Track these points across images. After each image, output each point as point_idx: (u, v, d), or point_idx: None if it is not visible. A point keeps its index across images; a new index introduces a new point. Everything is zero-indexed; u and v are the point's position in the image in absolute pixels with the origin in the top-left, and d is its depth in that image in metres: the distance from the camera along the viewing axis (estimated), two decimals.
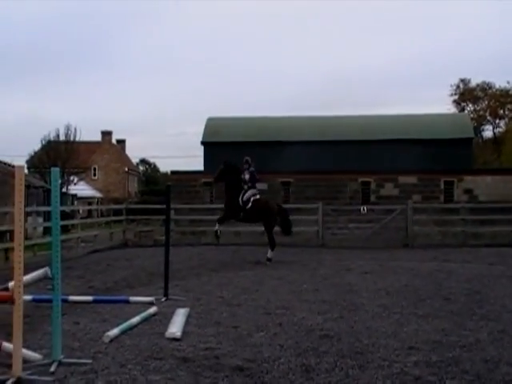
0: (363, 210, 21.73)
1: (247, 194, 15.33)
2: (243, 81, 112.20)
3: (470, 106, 61.36)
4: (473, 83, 60.66)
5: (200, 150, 35.76)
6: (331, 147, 32.83)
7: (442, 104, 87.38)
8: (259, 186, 16.03)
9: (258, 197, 15.54)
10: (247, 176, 15.53)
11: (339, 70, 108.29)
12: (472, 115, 55.15)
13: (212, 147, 34.56)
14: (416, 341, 6.64)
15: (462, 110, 59.39)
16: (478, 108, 61.42)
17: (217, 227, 15.31)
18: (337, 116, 35.83)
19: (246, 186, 15.45)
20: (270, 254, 15.09)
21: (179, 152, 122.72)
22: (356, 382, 5.21)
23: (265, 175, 31.28)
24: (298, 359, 5.91)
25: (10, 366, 5.27)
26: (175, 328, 7.01)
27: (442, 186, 31.12)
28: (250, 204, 15.21)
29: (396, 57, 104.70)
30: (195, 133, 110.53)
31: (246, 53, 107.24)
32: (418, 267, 13.72)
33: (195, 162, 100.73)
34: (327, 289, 10.52)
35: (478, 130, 57.33)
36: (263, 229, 15.94)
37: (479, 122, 60.35)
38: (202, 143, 35.37)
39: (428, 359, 5.91)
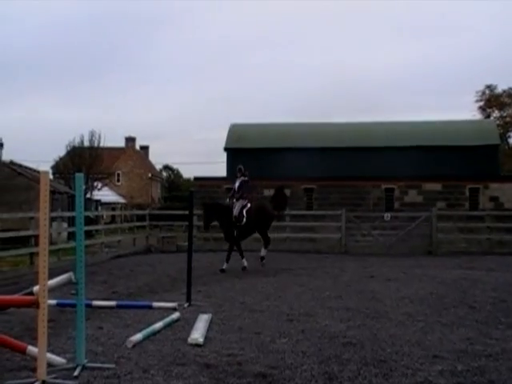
0: (387, 216, 21.60)
1: (236, 209, 14.71)
2: (267, 87, 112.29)
3: (496, 112, 60.60)
4: (499, 89, 59.95)
5: (223, 156, 35.86)
6: (355, 154, 32.64)
7: (467, 111, 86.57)
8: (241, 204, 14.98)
9: (248, 205, 14.97)
10: (237, 184, 14.97)
11: (364, 76, 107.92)
12: (498, 122, 54.39)
13: (235, 153, 34.57)
14: (440, 349, 6.55)
15: (488, 116, 58.68)
16: (505, 114, 60.61)
17: (225, 266, 14.41)
18: (361, 122, 35.65)
19: (234, 199, 14.92)
20: (264, 252, 15.28)
21: (202, 158, 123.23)
22: None
23: (288, 182, 31.32)
24: (320, 366, 5.87)
25: (34, 370, 5.31)
26: (198, 334, 7.01)
27: (467, 193, 30.76)
28: (245, 219, 14.69)
29: (421, 63, 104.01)
30: (218, 139, 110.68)
31: (270, 59, 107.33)
32: (443, 275, 13.57)
33: (218, 168, 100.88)
34: (350, 296, 10.45)
35: (504, 137, 56.61)
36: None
37: (505, 128, 59.57)
38: (225, 149, 35.42)
39: (453, 368, 5.83)
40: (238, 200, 14.78)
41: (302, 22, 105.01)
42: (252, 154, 33.51)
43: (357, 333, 7.38)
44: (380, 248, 20.39)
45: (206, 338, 6.97)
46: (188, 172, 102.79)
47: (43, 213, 5.35)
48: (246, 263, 14.77)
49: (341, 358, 6.16)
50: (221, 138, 37.90)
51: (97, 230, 22.26)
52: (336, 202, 29.03)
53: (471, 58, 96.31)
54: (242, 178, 15.08)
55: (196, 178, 35.51)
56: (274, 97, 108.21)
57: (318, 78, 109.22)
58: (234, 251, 14.92)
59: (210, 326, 7.68)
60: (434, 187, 30.82)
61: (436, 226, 20.50)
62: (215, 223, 15.42)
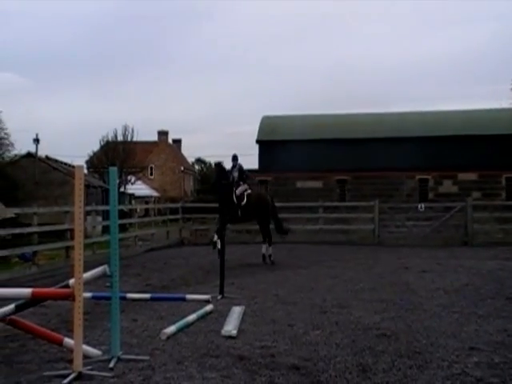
0: (421, 207, 21.35)
1: (240, 189, 14.47)
2: (298, 78, 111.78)
3: None
4: None
5: (255, 149, 35.85)
6: (388, 144, 32.35)
7: (505, 98, 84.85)
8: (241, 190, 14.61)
9: (249, 191, 14.88)
10: (236, 174, 14.58)
11: (395, 65, 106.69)
12: None
13: (267, 146, 34.60)
14: (477, 341, 6.46)
15: None
16: None
17: (215, 238, 13.88)
18: (394, 112, 35.31)
19: (235, 184, 14.59)
20: (269, 250, 14.56)
21: (234, 151, 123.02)
22: (414, 383, 5.10)
23: (320, 173, 31.25)
24: (354, 358, 5.83)
25: (71, 361, 5.39)
26: (231, 326, 7.03)
27: (504, 183, 30.27)
28: (245, 199, 14.42)
29: (453, 51, 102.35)
30: (250, 131, 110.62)
31: (301, 51, 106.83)
32: (478, 266, 13.38)
33: (250, 160, 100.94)
34: (384, 288, 10.37)
35: None
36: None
37: None
38: (257, 142, 35.42)
39: (490, 360, 5.74)
40: (239, 185, 14.54)
41: (327, 13, 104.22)
42: (284, 145, 33.50)
43: (391, 324, 7.32)
44: (414, 239, 20.19)
45: (239, 330, 6.98)
46: None
47: (78, 206, 5.42)
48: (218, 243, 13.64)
49: (375, 350, 6.12)
50: (253, 130, 37.89)
51: (130, 224, 22.47)
52: (369, 193, 28.85)
53: (504, 45, 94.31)
54: (237, 166, 14.68)
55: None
56: (306, 88, 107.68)
57: (348, 69, 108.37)
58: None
59: (243, 318, 7.69)
60: (470, 177, 30.40)
61: (471, 217, 20.20)
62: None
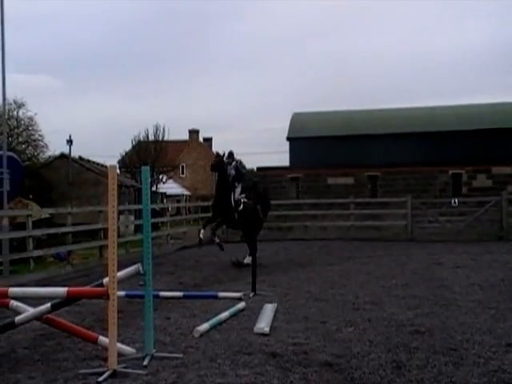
0: (454, 202, 21.05)
1: (237, 194, 13.85)
2: (328, 75, 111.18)
3: None
4: None
5: (286, 146, 35.79)
6: (420, 139, 31.98)
7: None
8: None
9: (245, 200, 14.14)
10: (233, 172, 13.79)
11: (422, 58, 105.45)
12: None
13: (298, 142, 34.49)
14: None
15: None
16: None
17: (201, 234, 13.69)
18: (425, 107, 34.87)
19: (232, 184, 13.83)
20: (247, 259, 13.28)
21: (265, 148, 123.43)
22: (450, 380, 5.04)
23: (351, 169, 31.05)
24: (388, 355, 5.79)
25: (105, 359, 5.46)
26: (263, 323, 7.04)
27: None
28: (242, 206, 13.80)
29: (480, 43, 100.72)
30: (281, 128, 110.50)
31: (331, 47, 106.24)
32: None
33: (281, 157, 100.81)
34: (417, 284, 10.27)
35: None
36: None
37: None
38: (288, 139, 35.33)
39: None
40: (235, 187, 13.87)
41: (360, 9, 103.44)
42: (315, 142, 33.39)
43: (425, 321, 7.25)
44: (447, 234, 19.93)
45: (272, 327, 6.99)
46: (251, 162, 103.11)
47: (111, 206, 5.47)
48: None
49: (409, 347, 6.07)
50: (283, 127, 37.83)
51: (162, 222, 22.61)
52: (401, 189, 28.54)
53: None
54: (235, 163, 13.99)
55: (259, 168, 35.58)
56: (335, 84, 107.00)
57: (378, 65, 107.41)
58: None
59: (276, 315, 7.69)
60: (504, 171, 29.82)
61: (507, 211, 19.86)
62: None
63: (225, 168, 13.63)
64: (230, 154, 13.99)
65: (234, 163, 13.84)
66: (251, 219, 13.63)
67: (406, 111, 34.47)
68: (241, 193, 14.07)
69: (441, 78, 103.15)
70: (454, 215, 21.36)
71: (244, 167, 14.24)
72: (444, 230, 20.49)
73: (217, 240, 13.50)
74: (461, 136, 31.49)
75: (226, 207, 13.52)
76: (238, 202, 13.73)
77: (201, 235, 13.74)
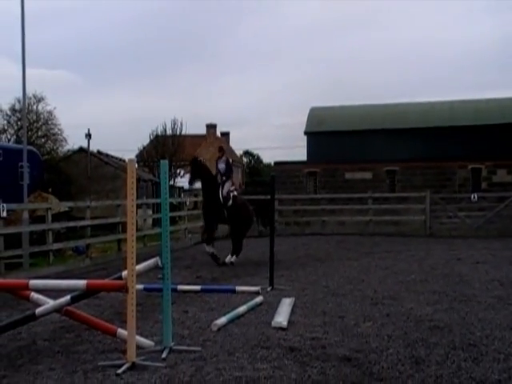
0: (474, 197, 20.86)
1: (225, 188, 13.42)
2: (345, 69, 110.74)
3: None
4: None
5: (303, 141, 35.74)
6: (438, 134, 31.76)
7: None
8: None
9: (235, 193, 13.96)
10: (222, 166, 13.56)
11: (445, 53, 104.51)
12: None
13: (315, 137, 34.44)
14: None
15: None
16: None
17: (207, 249, 13.25)
18: (444, 101, 34.61)
19: (221, 179, 13.59)
20: (233, 258, 13.12)
21: (282, 143, 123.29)
22: (469, 375, 5.00)
23: (369, 164, 30.92)
24: (406, 350, 5.76)
25: (124, 352, 5.49)
26: (281, 317, 7.04)
27: None
28: (231, 201, 13.40)
29: (496, 38, 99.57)
30: (298, 123, 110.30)
31: (348, 42, 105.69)
32: None
33: (299, 152, 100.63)
34: (436, 279, 10.21)
35: None
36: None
37: None
38: (305, 133, 35.28)
39: None
40: (225, 182, 13.55)
41: (376, 5, 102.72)
42: (332, 137, 33.33)
43: (444, 316, 7.20)
44: (467, 230, 19.78)
45: (290, 321, 6.98)
46: (268, 157, 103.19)
47: (130, 199, 5.48)
48: (208, 248, 13.22)
49: (428, 342, 6.03)
50: (301, 122, 37.72)
51: (180, 217, 22.68)
52: (420, 184, 28.41)
53: None
54: (224, 158, 13.82)
55: (276, 163, 35.57)
56: (354, 78, 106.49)
57: (395, 58, 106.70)
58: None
59: (293, 309, 7.69)
60: None
61: None
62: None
63: (206, 170, 13.50)
64: (221, 149, 14.02)
65: (224, 158, 13.74)
66: (239, 215, 13.40)
67: (425, 105, 34.25)
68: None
69: (462, 71, 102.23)
70: (473, 210, 21.20)
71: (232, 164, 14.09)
72: (463, 226, 20.33)
73: (211, 250, 13.19)
74: (481, 131, 31.23)
75: (215, 208, 13.27)
76: (227, 198, 13.35)
77: (208, 250, 13.24)
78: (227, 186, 13.52)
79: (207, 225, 13.87)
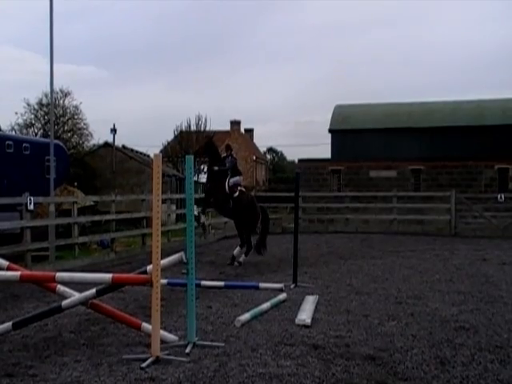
0: (500, 197, 20.59)
1: (234, 179, 13.02)
2: (371, 67, 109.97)
3: None
4: None
5: (328, 138, 35.60)
6: (465, 133, 31.40)
7: None
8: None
9: (243, 189, 13.54)
10: (228, 165, 13.06)
11: (471, 51, 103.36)
12: None
13: (340, 135, 34.28)
14: None
15: None
16: None
17: (203, 219, 13.17)
18: (471, 100, 34.18)
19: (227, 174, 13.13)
20: (242, 257, 12.63)
21: (307, 140, 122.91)
22: (496, 378, 4.94)
23: (394, 162, 30.69)
24: (431, 350, 5.70)
25: (148, 346, 5.52)
26: (305, 315, 7.02)
27: None
28: (237, 193, 12.98)
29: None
30: (323, 121, 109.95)
31: (373, 39, 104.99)
32: None
33: (323, 150, 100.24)
34: (462, 279, 10.10)
35: None
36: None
37: None
38: (330, 131, 35.14)
39: None
40: (232, 176, 13.09)
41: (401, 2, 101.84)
42: (357, 134, 33.15)
43: (470, 317, 7.12)
44: (493, 230, 19.53)
45: (313, 319, 6.96)
46: (292, 154, 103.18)
47: (156, 194, 5.50)
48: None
49: (453, 343, 5.97)
50: (325, 119, 37.58)
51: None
52: (445, 183, 28.18)
53: None
54: (231, 156, 13.38)
55: (300, 160, 35.48)
56: (379, 76, 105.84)
57: (420, 57, 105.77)
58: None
59: (317, 307, 7.67)
60: None
61: None
62: None
63: (217, 150, 13.30)
64: (228, 147, 13.72)
65: (230, 157, 13.28)
66: (246, 210, 12.97)
67: (451, 105, 33.87)
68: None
69: (487, 71, 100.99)
70: (499, 211, 20.93)
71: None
72: (489, 226, 20.09)
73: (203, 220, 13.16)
74: (508, 130, 30.83)
75: (219, 192, 12.84)
76: (232, 188, 12.92)
77: (202, 219, 13.17)
78: (236, 179, 13.11)
79: (204, 201, 13.43)
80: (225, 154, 13.46)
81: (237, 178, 13.18)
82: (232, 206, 12.97)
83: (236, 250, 12.84)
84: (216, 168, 13.06)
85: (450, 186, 25.17)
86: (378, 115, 33.99)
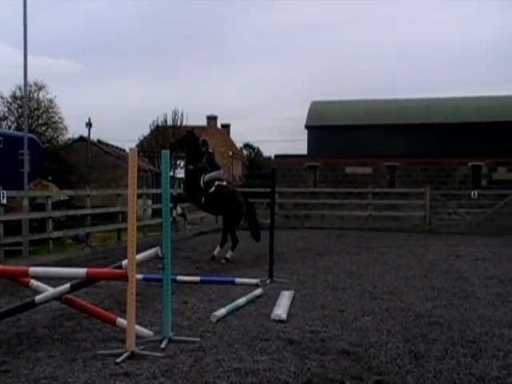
0: (474, 194, 20.83)
1: (210, 175, 12.73)
2: (348, 64, 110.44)
3: None
4: None
5: (304, 134, 35.70)
6: (439, 130, 31.74)
7: None
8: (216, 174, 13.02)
9: (224, 183, 13.31)
10: (204, 161, 12.81)
11: (445, 49, 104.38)
12: None
13: (316, 131, 34.40)
14: None
15: None
16: None
17: (179, 211, 12.94)
18: (446, 98, 34.53)
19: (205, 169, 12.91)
20: (229, 253, 12.37)
21: (283, 136, 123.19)
22: (468, 371, 5.00)
23: (370, 159, 30.89)
24: (406, 345, 5.76)
25: (123, 341, 5.49)
26: (281, 310, 7.03)
27: None
28: (213, 188, 12.66)
29: (504, 35, 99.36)
30: (300, 117, 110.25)
31: (351, 36, 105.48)
32: None
33: (299, 146, 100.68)
34: (436, 275, 10.21)
35: None
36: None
37: None
38: (306, 127, 35.23)
39: None
40: (211, 171, 12.88)
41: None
42: (333, 131, 33.29)
43: (443, 312, 7.20)
44: (466, 227, 19.78)
45: (289, 314, 6.98)
46: (268, 150, 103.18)
47: (131, 188, 5.47)
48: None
49: (427, 338, 6.03)
50: (302, 116, 37.67)
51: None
52: (420, 180, 28.43)
53: None
54: (207, 151, 13.18)
55: (277, 156, 35.55)
56: (353, 74, 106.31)
57: (398, 54, 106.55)
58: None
59: (293, 302, 7.69)
60: None
61: None
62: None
63: (197, 144, 13.04)
64: (204, 142, 13.43)
65: (206, 153, 13.07)
66: (227, 204, 12.64)
67: (427, 102, 34.19)
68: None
69: (462, 69, 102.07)
70: (473, 207, 21.16)
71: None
72: (463, 222, 20.34)
73: (178, 212, 12.89)
74: (482, 128, 31.21)
75: (194, 190, 12.75)
76: (208, 184, 12.65)
77: (179, 211, 12.96)
78: (214, 173, 12.85)
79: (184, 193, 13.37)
80: (202, 150, 13.21)
81: (214, 173, 12.89)
82: (207, 202, 12.70)
83: (216, 251, 12.63)
84: (191, 167, 12.92)
85: (424, 182, 25.42)
86: (354, 112, 34.16)
